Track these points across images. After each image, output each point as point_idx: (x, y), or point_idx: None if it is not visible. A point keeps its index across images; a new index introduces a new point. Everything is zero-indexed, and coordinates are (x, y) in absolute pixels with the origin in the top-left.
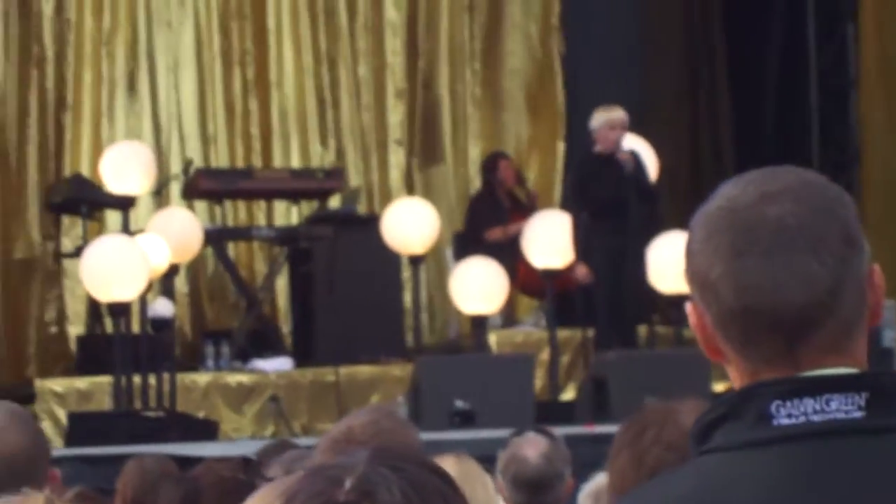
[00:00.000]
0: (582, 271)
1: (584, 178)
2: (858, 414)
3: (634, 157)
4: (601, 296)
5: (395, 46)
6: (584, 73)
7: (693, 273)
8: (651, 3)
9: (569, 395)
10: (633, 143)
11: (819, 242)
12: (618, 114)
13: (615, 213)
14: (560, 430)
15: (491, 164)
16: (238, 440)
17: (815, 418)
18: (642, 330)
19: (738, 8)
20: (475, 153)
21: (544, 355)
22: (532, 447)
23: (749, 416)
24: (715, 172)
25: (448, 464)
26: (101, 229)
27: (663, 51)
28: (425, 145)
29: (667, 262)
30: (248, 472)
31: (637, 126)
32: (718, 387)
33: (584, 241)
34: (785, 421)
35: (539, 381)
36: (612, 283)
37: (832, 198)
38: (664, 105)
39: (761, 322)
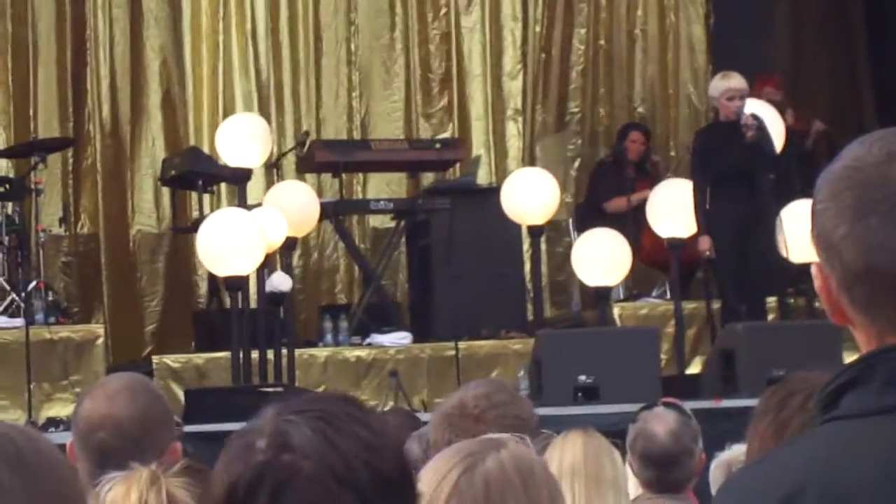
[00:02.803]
0: (705, 244)
1: (708, 147)
2: None
3: (758, 124)
4: (727, 267)
5: (513, 12)
6: (724, 35)
7: (818, 234)
8: None
9: (695, 368)
10: (758, 108)
11: None
12: (736, 81)
13: (740, 183)
14: (686, 405)
15: (622, 133)
16: None
17: None
18: (773, 301)
19: None
20: (597, 122)
21: (669, 328)
22: (660, 423)
23: (875, 383)
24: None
25: (575, 439)
26: (214, 202)
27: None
28: (545, 114)
29: (798, 231)
30: None
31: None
32: (850, 358)
33: (708, 212)
34: None
35: (664, 354)
36: (738, 254)
37: None
38: (804, 71)
39: (886, 284)
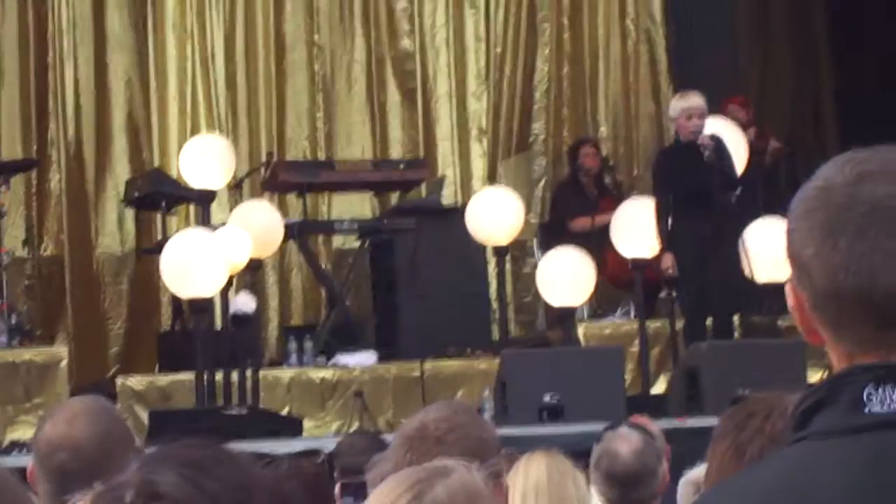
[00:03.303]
0: (666, 262)
1: (668, 166)
2: None
3: (716, 143)
4: (689, 286)
5: (477, 32)
6: (687, 55)
7: (790, 253)
8: None
9: (660, 387)
10: (719, 128)
11: None
12: (692, 101)
13: (700, 202)
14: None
15: (573, 150)
16: (322, 436)
17: None
18: (737, 320)
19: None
20: (561, 141)
21: (634, 347)
22: (624, 442)
23: (842, 403)
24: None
25: (538, 459)
26: (180, 224)
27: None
28: (509, 134)
29: (760, 250)
30: (319, 465)
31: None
32: (814, 377)
33: (669, 231)
34: (876, 408)
35: (629, 374)
36: (701, 273)
37: None
38: (767, 88)
39: (852, 305)
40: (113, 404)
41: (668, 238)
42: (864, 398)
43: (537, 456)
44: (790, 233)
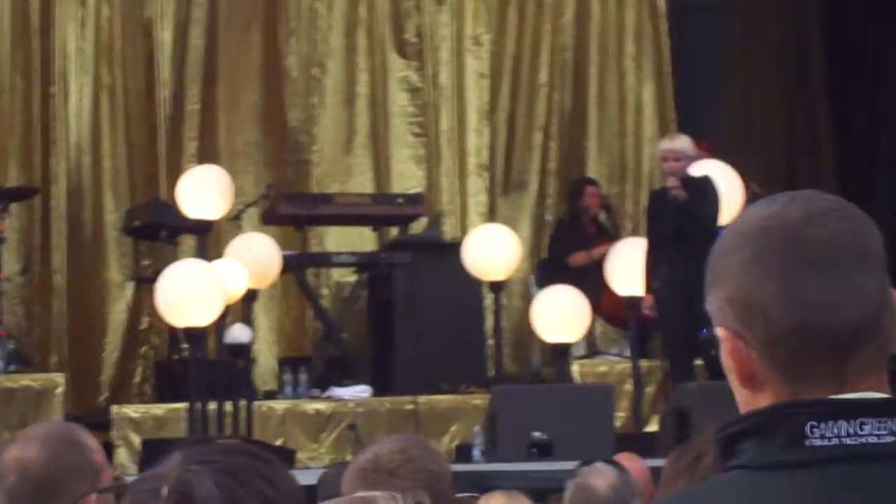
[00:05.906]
0: (647, 302)
1: (649, 208)
2: (890, 439)
3: (687, 187)
4: (670, 327)
5: (480, 68)
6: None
7: (732, 296)
8: (749, 26)
9: (653, 426)
10: (711, 170)
11: (867, 259)
12: (671, 143)
13: (675, 245)
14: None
15: (576, 189)
16: (314, 468)
17: (848, 441)
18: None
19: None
20: (559, 180)
21: (628, 386)
22: (600, 477)
23: (781, 435)
24: None
25: (498, 500)
26: (178, 254)
27: (758, 72)
28: (509, 171)
29: None
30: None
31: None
32: None
33: (650, 273)
34: (818, 442)
35: (623, 412)
36: (683, 315)
37: (866, 218)
38: (760, 130)
39: (815, 341)
40: (84, 431)
41: (650, 279)
42: (807, 431)
43: (497, 497)
44: (733, 275)
